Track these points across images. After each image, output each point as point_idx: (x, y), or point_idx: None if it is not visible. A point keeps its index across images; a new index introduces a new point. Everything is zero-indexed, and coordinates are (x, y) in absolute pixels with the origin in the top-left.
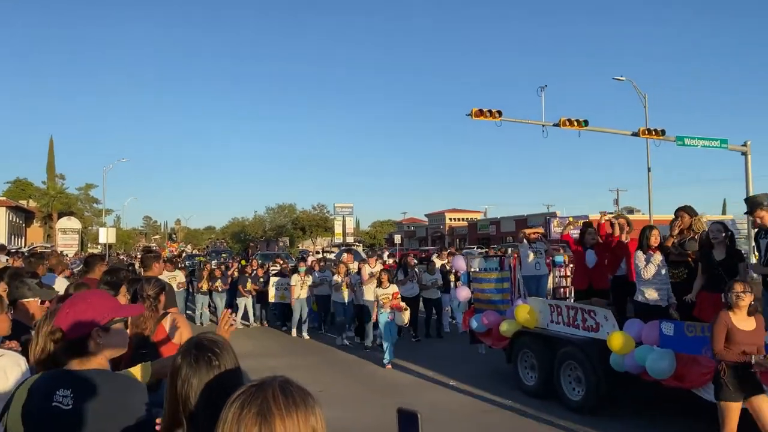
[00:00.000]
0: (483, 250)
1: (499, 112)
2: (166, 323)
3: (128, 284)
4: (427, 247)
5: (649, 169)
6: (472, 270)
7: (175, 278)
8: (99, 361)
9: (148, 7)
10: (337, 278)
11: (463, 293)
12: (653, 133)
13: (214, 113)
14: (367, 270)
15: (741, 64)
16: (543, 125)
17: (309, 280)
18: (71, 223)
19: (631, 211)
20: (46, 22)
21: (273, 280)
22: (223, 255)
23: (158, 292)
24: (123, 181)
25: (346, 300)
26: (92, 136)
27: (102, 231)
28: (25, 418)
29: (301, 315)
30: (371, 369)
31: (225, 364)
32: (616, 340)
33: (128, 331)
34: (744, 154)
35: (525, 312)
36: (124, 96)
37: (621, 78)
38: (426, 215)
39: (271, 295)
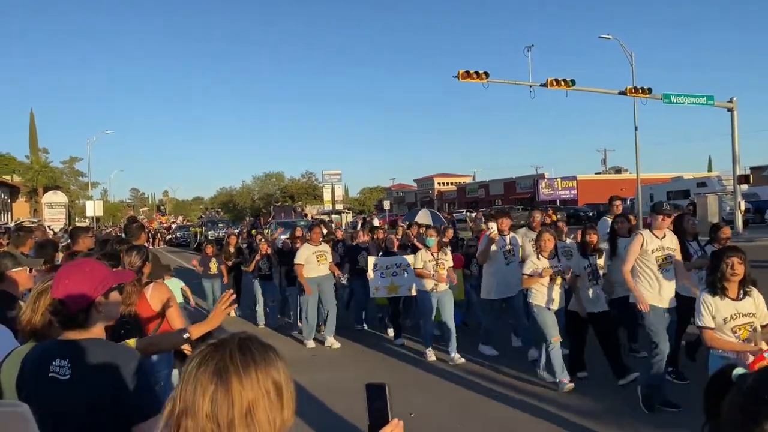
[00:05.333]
0: None
1: (486, 74)
2: (148, 292)
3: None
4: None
5: (636, 128)
6: None
7: (324, 255)
8: (96, 332)
9: None
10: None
11: None
12: (640, 91)
13: (198, 83)
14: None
15: (727, 21)
16: (530, 86)
17: (448, 259)
18: (57, 197)
19: (618, 170)
20: None
21: (371, 259)
22: (221, 225)
23: (142, 263)
24: (108, 153)
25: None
26: (74, 108)
27: (89, 204)
28: (20, 389)
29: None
30: None
31: None
32: None
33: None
34: (730, 110)
35: None
36: (106, 67)
37: (607, 36)
38: (415, 180)
39: (375, 287)
